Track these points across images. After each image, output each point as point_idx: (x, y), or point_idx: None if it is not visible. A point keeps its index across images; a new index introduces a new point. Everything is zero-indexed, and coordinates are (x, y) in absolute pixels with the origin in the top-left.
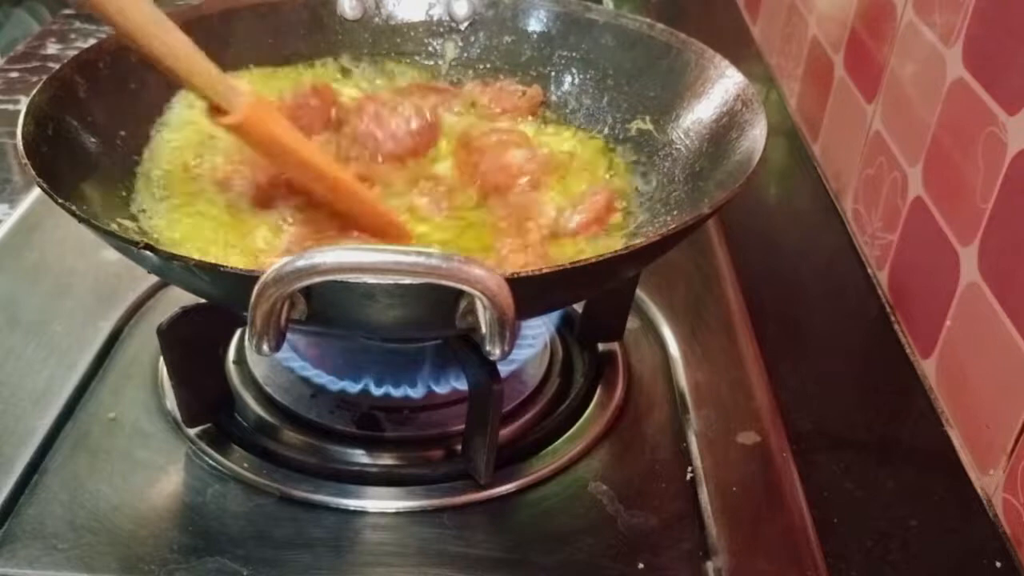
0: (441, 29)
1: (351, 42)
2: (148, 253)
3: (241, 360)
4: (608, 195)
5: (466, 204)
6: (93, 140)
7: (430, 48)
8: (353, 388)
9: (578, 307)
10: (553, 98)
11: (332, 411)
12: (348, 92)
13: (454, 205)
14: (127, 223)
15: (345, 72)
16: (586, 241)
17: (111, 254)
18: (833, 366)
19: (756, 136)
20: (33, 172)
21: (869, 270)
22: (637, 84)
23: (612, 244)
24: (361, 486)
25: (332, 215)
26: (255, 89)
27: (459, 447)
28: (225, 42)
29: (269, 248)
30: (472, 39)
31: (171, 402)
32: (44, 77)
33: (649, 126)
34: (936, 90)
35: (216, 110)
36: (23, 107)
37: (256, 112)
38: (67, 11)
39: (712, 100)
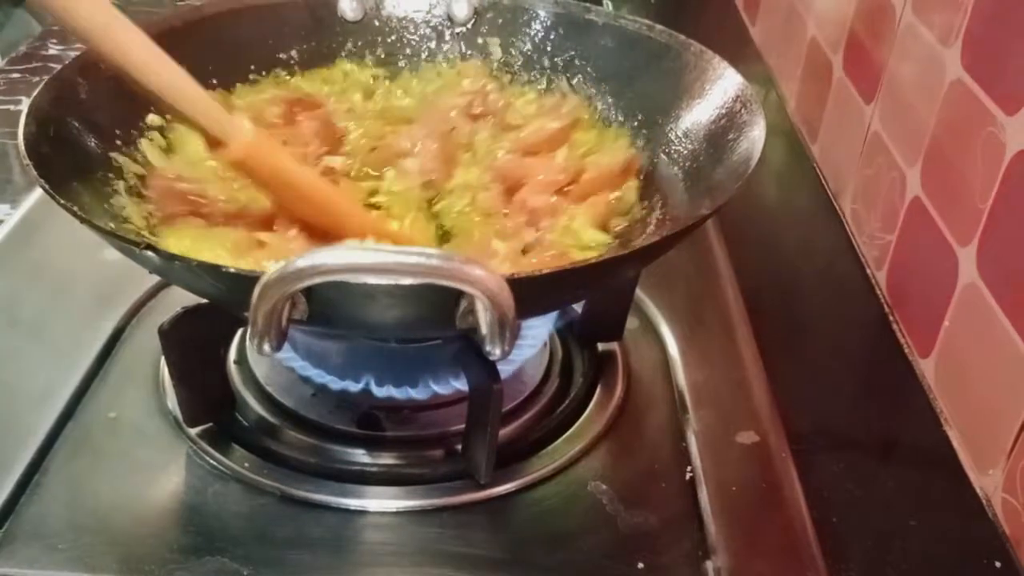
0: (441, 30)
1: (351, 43)
2: (150, 253)
3: (242, 360)
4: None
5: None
6: (94, 141)
7: (430, 49)
8: (354, 388)
9: (578, 307)
10: (551, 98)
11: (332, 411)
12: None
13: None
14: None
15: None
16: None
17: (112, 254)
18: (832, 366)
19: (755, 137)
20: (35, 173)
21: (868, 270)
22: (636, 85)
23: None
24: (361, 486)
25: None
26: (254, 126)
27: (459, 447)
28: (225, 43)
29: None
30: (472, 40)
31: (172, 402)
32: (46, 78)
33: (648, 126)
34: (935, 90)
35: (215, 143)
36: (24, 108)
37: (258, 147)
38: None
39: (711, 101)
